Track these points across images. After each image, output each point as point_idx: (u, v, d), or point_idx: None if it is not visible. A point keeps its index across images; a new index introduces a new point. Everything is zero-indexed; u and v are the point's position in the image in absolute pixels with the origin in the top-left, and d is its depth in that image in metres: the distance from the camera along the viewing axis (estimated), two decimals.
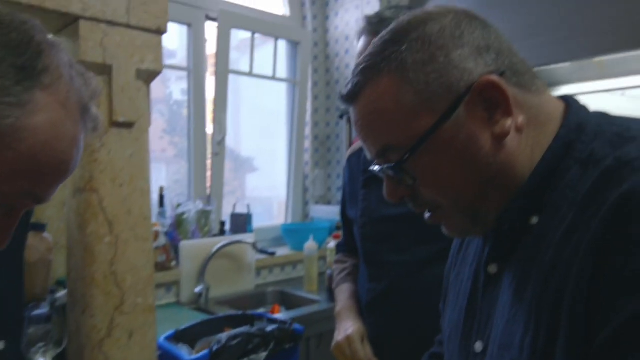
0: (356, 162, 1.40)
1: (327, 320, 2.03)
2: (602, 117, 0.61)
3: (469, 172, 0.59)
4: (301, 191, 2.89)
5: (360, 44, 1.25)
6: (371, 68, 0.62)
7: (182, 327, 1.47)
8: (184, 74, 2.45)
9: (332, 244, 2.19)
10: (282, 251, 2.60)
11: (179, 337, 1.43)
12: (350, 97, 0.65)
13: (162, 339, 1.40)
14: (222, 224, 2.41)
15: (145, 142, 1.23)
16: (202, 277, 2.15)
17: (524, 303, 0.56)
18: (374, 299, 1.25)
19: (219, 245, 2.18)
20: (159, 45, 1.23)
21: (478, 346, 0.64)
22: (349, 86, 0.65)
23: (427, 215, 0.66)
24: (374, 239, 1.27)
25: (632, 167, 0.51)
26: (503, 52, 0.60)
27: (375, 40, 0.64)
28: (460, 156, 0.59)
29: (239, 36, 2.70)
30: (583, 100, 0.64)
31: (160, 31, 1.22)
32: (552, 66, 2.16)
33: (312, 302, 2.18)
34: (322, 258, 2.53)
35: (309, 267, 2.34)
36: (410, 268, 1.20)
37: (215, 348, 1.30)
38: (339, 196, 2.85)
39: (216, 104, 2.43)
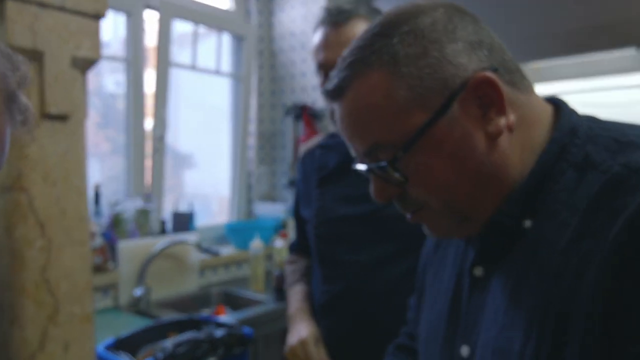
0: (310, 161, 1.36)
1: (275, 321, 1.99)
2: (592, 120, 0.60)
3: (462, 172, 0.57)
4: (245, 189, 2.83)
5: (317, 36, 1.20)
6: (360, 62, 0.58)
7: (123, 334, 1.38)
8: (117, 65, 2.32)
9: (279, 242, 2.14)
10: (226, 250, 2.52)
11: (119, 345, 1.34)
12: (336, 93, 0.61)
13: (101, 348, 1.31)
14: (163, 223, 2.31)
15: (81, 136, 1.14)
16: (142, 279, 2.04)
17: (523, 309, 0.55)
18: (328, 300, 1.22)
19: (160, 245, 2.08)
20: (96, 32, 1.13)
21: (464, 350, 0.63)
22: (335, 81, 0.61)
23: (409, 215, 0.64)
24: (329, 239, 1.24)
25: None
26: (495, 49, 0.59)
27: (362, 33, 0.61)
28: (454, 155, 0.57)
29: (178, 29, 2.59)
30: None
31: (99, 16, 1.13)
32: None
33: (259, 302, 2.13)
34: (268, 257, 2.48)
35: (255, 267, 2.28)
36: (366, 269, 1.18)
37: (160, 356, 1.23)
38: (284, 194, 2.80)
39: (156, 98, 2.32)
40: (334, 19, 1.16)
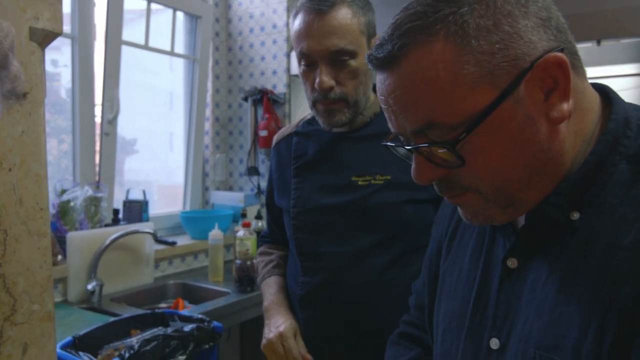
0: (285, 148, 1.30)
1: (237, 313, 1.94)
2: (638, 110, 0.59)
3: (521, 157, 0.54)
4: (200, 176, 2.72)
5: (298, 23, 1.13)
6: (422, 30, 0.53)
7: (81, 332, 1.28)
8: (53, 42, 2.14)
9: (240, 232, 2.07)
10: (182, 240, 2.42)
11: (78, 344, 1.24)
12: (388, 62, 0.55)
13: (57, 348, 1.20)
14: (116, 212, 2.17)
15: (40, 117, 1.02)
16: (93, 272, 1.91)
17: (577, 305, 0.52)
18: (308, 292, 1.17)
19: (114, 236, 1.96)
20: (58, 1, 1.02)
21: (494, 343, 0.60)
22: (387, 47, 0.55)
23: (448, 196, 0.60)
24: (308, 230, 1.19)
25: None
26: (561, 28, 0.56)
27: None
28: (515, 138, 0.53)
29: (124, 6, 2.43)
30: None
31: None
32: None
33: (219, 294, 2.05)
34: (226, 246, 2.41)
35: (214, 257, 2.20)
36: (347, 260, 1.14)
37: (127, 355, 1.14)
38: (241, 182, 2.73)
39: (107, 78, 2.17)
40: (317, 6, 1.10)
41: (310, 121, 1.28)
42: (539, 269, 0.58)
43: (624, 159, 0.55)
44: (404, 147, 0.58)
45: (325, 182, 1.20)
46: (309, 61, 1.14)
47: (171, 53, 2.50)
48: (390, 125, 0.60)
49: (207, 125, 2.71)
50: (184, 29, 2.63)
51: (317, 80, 1.12)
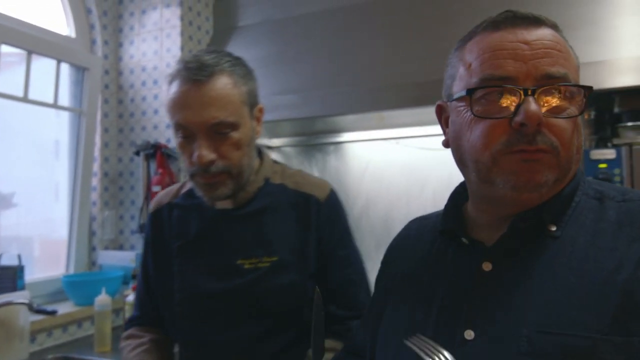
0: (167, 223, 1.18)
1: None
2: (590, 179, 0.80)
3: (580, 143, 0.72)
4: (86, 236, 2.52)
5: (174, 92, 1.04)
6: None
7: None
8: None
9: (131, 297, 1.93)
10: (64, 308, 2.20)
11: None
12: (538, 20, 0.71)
13: None
14: None
15: None
16: None
17: (573, 290, 0.64)
18: None
19: None
20: None
21: (468, 334, 0.69)
22: (534, 13, 0.72)
23: (532, 149, 0.69)
24: (194, 318, 1.10)
25: None
26: None
27: None
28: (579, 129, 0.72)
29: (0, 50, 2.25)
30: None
31: None
32: (340, 117, 2.36)
33: None
34: (115, 311, 2.23)
35: (101, 325, 2.02)
36: (234, 348, 1.07)
37: None
38: (132, 240, 2.58)
39: None
40: (194, 76, 1.01)
41: (191, 193, 1.18)
42: (514, 269, 0.70)
43: (584, 195, 0.74)
44: (540, 87, 0.69)
45: (210, 264, 1.12)
46: (186, 133, 1.04)
47: (54, 106, 2.34)
48: (506, 67, 0.68)
49: (95, 181, 2.54)
50: (69, 79, 2.49)
51: (196, 154, 1.03)
